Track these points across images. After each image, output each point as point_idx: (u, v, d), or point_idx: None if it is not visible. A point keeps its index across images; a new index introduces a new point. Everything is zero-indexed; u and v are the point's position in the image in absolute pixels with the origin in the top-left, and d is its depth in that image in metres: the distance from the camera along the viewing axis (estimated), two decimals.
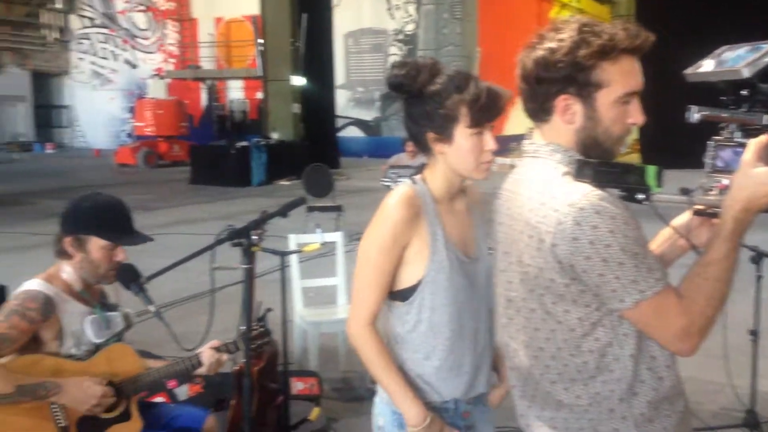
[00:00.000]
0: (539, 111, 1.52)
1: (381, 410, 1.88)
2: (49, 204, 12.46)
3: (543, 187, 1.46)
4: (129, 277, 2.44)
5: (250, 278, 2.39)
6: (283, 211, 2.45)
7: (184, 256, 2.38)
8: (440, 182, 1.84)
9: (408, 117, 1.81)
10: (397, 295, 1.83)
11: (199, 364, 2.47)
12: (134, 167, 20.27)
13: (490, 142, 1.76)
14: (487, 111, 1.74)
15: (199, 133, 22.64)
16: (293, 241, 4.38)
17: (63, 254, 2.40)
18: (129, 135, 25.52)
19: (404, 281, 1.81)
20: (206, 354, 2.47)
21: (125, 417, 2.39)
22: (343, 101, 22.94)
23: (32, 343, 2.27)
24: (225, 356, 2.51)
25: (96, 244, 2.38)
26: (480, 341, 1.86)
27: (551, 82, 1.46)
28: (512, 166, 1.66)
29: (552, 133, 1.52)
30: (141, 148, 21.15)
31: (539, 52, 1.47)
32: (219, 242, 2.35)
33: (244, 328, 2.44)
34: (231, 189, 14.83)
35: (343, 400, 4.20)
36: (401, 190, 1.81)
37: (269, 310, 2.56)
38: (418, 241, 1.78)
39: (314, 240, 4.52)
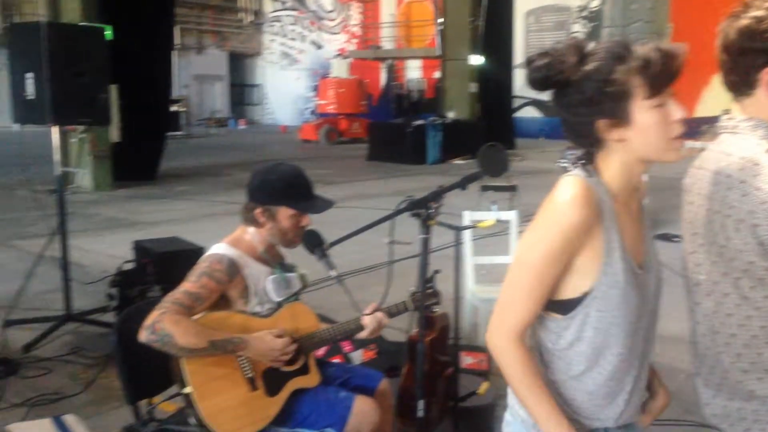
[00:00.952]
0: (741, 84, 1.43)
1: None
2: (240, 176, 13.40)
3: (743, 164, 1.37)
4: (314, 242, 2.60)
5: (425, 249, 2.46)
6: (462, 184, 2.48)
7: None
8: (618, 174, 1.51)
9: (566, 111, 1.49)
10: (555, 306, 1.54)
11: (362, 327, 2.58)
12: (316, 143, 21.23)
13: (676, 110, 1.44)
14: (663, 74, 1.42)
15: (378, 112, 23.27)
16: (468, 218, 4.41)
17: (253, 222, 2.57)
18: (312, 112, 26.73)
19: (566, 291, 1.52)
20: (367, 317, 2.57)
21: (305, 370, 2.55)
22: (521, 81, 22.56)
23: (221, 302, 2.46)
24: (386, 320, 2.60)
25: (285, 214, 2.53)
26: (644, 364, 1.61)
27: (756, 54, 1.37)
28: (703, 150, 1.56)
29: (754, 108, 1.42)
30: (323, 125, 22.09)
31: (744, 21, 1.38)
32: (398, 212, 2.43)
33: (415, 290, 2.52)
34: (406, 166, 15.14)
35: None
36: (574, 184, 1.47)
37: (437, 272, 2.60)
38: (591, 248, 1.47)
39: (489, 217, 4.52)
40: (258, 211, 2.54)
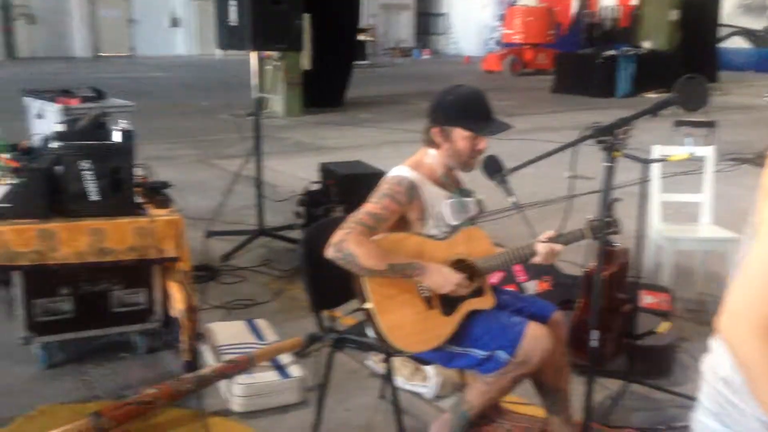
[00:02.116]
0: None
1: None
2: (421, 105, 13.49)
3: None
4: (493, 167, 2.58)
5: (609, 177, 2.36)
6: (654, 110, 2.34)
7: (545, 161, 2.43)
8: None
9: None
10: None
11: (534, 252, 2.55)
12: (499, 74, 20.80)
13: None
14: None
15: (566, 42, 22.23)
16: (657, 152, 4.16)
17: (431, 143, 2.60)
18: (497, 43, 26.11)
19: None
20: (541, 243, 2.54)
21: (480, 293, 2.58)
22: (729, 8, 20.54)
23: (400, 223, 2.53)
24: (559, 247, 2.55)
25: (460, 134, 2.54)
26: None
27: None
28: None
29: None
30: (508, 55, 21.55)
31: None
32: (583, 139, 2.34)
33: (593, 218, 2.45)
34: (593, 99, 14.48)
35: (696, 321, 3.99)
36: None
37: (617, 200, 2.49)
38: None
39: (681, 151, 4.23)
40: (435, 131, 2.56)
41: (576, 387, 2.75)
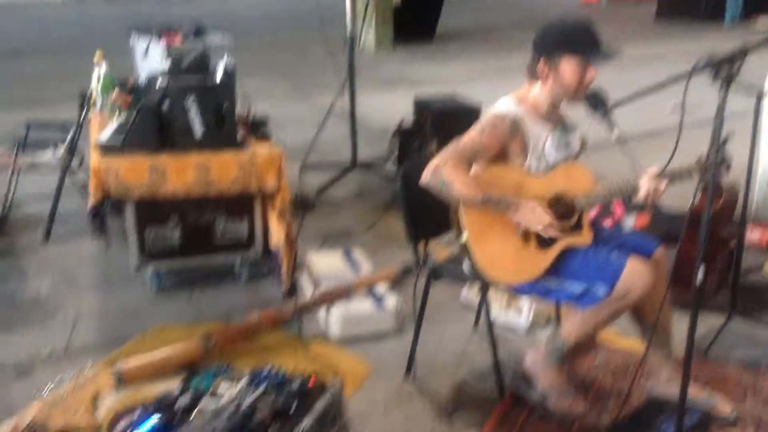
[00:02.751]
0: None
1: None
2: (516, 35, 13.11)
3: None
4: (597, 101, 2.52)
5: (721, 112, 2.24)
6: None
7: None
8: None
9: None
10: None
11: (637, 189, 2.48)
12: (596, 6, 19.87)
13: None
14: None
15: None
16: None
17: (535, 77, 2.54)
18: None
19: None
20: (644, 180, 2.46)
21: (578, 229, 2.55)
22: None
23: (500, 156, 2.51)
24: (663, 185, 2.46)
25: (567, 64, 2.46)
26: None
27: None
28: None
29: None
30: None
31: None
32: (694, 71, 2.22)
33: (703, 155, 2.35)
34: (698, 26, 13.68)
35: None
36: None
37: (729, 136, 2.37)
38: None
39: None
40: (541, 62, 2.50)
41: (677, 322, 2.70)
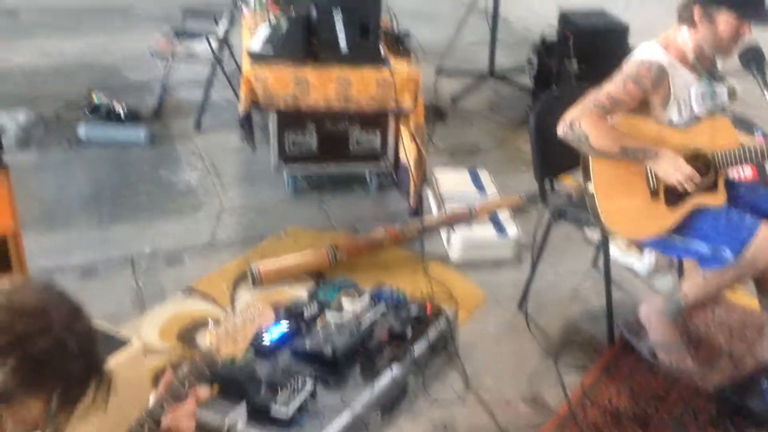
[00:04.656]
0: None
1: None
2: None
3: None
4: (753, 57, 2.38)
5: None
6: None
7: None
8: None
9: None
10: None
11: None
12: None
13: None
14: None
15: None
16: None
17: (687, 21, 2.42)
18: None
19: None
20: None
21: (713, 188, 2.49)
22: None
23: (641, 105, 2.43)
24: None
25: (724, 18, 2.33)
26: None
27: None
28: None
29: None
30: None
31: None
32: None
33: None
34: None
35: None
36: None
37: None
38: None
39: None
40: (696, 8, 2.38)
41: None
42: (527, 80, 4.96)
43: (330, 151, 3.64)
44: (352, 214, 3.60)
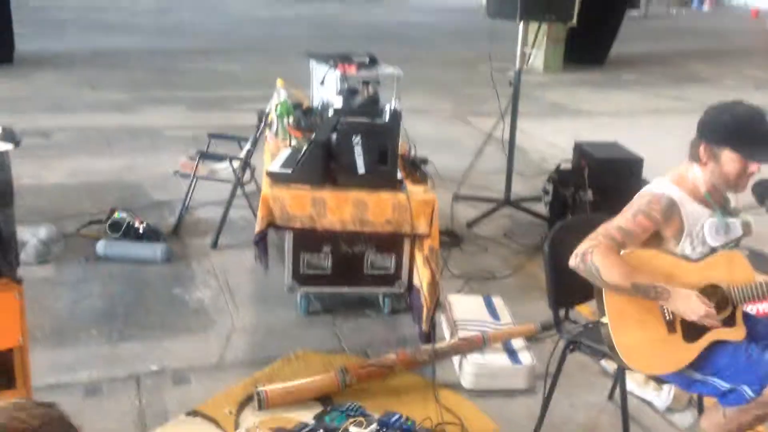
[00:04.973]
0: None
1: None
2: (694, 67, 12.44)
3: None
4: (764, 192, 2.40)
5: None
6: None
7: None
8: None
9: None
10: None
11: None
12: None
13: None
14: None
15: None
16: None
17: (696, 159, 2.45)
18: None
19: None
20: None
21: (730, 323, 2.44)
22: None
23: (654, 239, 2.43)
24: None
25: (728, 157, 2.37)
26: None
27: None
28: None
29: None
30: None
31: None
32: None
33: None
34: None
35: None
36: None
37: None
38: None
39: None
40: (702, 148, 2.42)
41: None
42: (543, 209, 5.01)
43: (344, 272, 3.64)
44: (364, 338, 3.56)
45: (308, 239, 3.54)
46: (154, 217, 4.67)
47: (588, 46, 11.87)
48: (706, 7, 26.44)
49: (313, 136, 3.52)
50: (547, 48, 11.57)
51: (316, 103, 4.52)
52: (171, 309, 3.75)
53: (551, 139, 7.16)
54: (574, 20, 10.80)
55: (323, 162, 3.45)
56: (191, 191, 4.72)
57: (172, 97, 8.69)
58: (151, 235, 4.38)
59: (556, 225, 2.76)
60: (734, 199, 2.58)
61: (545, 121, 8.27)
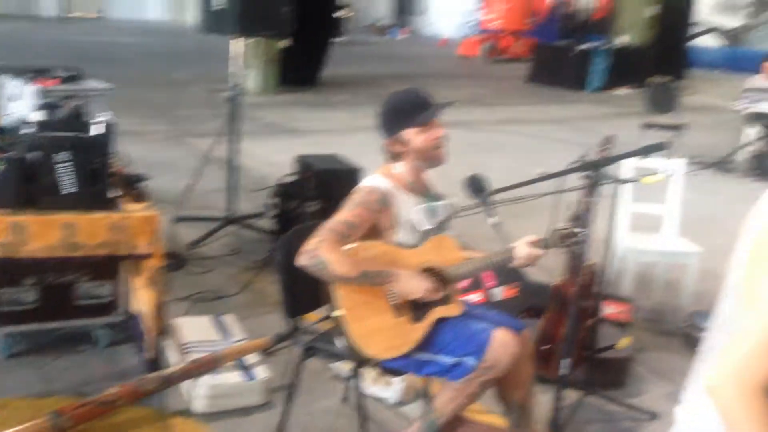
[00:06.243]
0: None
1: None
2: (392, 85, 13.41)
3: None
4: (477, 187, 2.62)
5: (590, 211, 2.39)
6: (642, 153, 2.38)
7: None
8: None
9: None
10: None
11: (512, 259, 2.59)
12: (473, 59, 20.78)
13: None
14: None
15: (543, 31, 22.22)
16: (631, 166, 4.20)
17: (393, 157, 2.66)
18: (475, 27, 26.00)
19: None
20: (520, 248, 2.58)
21: (448, 300, 2.62)
22: (708, 4, 20.71)
23: (373, 231, 2.56)
24: (540, 251, 2.59)
25: (411, 135, 2.59)
26: None
27: None
28: None
29: None
30: (486, 40, 21.50)
31: None
32: (568, 171, 2.37)
33: (557, 228, 2.56)
34: (565, 92, 14.53)
35: (653, 331, 4.10)
36: None
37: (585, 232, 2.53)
38: None
39: (658, 171, 4.28)
40: (389, 143, 2.62)
41: (537, 398, 2.80)
42: (269, 224, 4.98)
43: (52, 305, 3.26)
44: (79, 376, 3.20)
45: (7, 271, 3.11)
46: None
47: (300, 68, 12.26)
48: (401, 36, 28.81)
49: (6, 155, 3.10)
50: (262, 69, 11.68)
51: (7, 121, 4.00)
52: None
53: (271, 158, 7.19)
54: (291, 37, 11.07)
55: (21, 182, 3.04)
56: None
57: None
58: None
59: (288, 232, 2.74)
60: (435, 185, 2.78)
61: (263, 140, 8.29)
